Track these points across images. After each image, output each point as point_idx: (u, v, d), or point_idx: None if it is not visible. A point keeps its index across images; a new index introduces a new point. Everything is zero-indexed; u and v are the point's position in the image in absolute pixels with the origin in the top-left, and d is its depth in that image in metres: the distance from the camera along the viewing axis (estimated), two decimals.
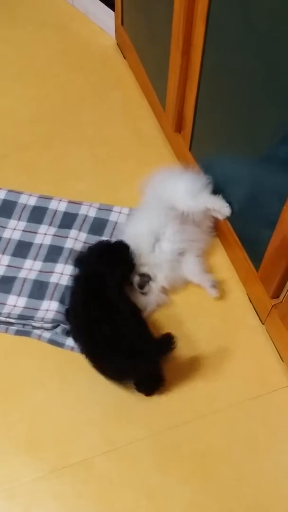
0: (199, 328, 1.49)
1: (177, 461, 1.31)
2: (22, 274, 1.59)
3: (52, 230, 1.66)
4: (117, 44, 2.10)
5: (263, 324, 1.48)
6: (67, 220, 1.68)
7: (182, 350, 1.46)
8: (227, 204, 1.51)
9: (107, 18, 2.10)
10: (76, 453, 1.32)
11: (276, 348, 1.45)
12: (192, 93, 1.48)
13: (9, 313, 1.51)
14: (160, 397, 1.39)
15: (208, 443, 1.33)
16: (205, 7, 1.26)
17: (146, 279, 1.51)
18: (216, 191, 1.56)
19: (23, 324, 1.50)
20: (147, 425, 1.36)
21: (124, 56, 2.08)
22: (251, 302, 1.52)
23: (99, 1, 2.11)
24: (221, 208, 1.52)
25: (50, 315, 1.49)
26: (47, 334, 1.49)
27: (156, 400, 1.39)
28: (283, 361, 1.43)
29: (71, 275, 1.54)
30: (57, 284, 1.55)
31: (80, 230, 1.66)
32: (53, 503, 1.26)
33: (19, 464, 1.31)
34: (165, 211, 1.54)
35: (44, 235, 1.66)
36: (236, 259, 1.54)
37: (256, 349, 1.46)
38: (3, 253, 1.62)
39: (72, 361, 1.45)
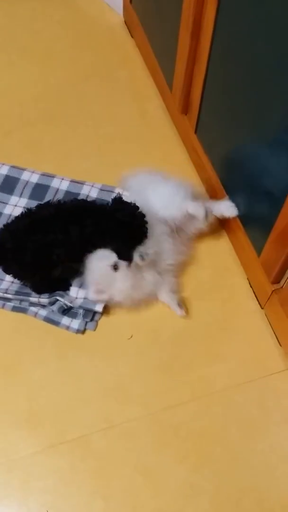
0: (199, 311, 1.50)
1: (173, 440, 1.33)
2: None
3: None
4: (125, 22, 2.08)
5: (262, 309, 1.49)
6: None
7: (181, 332, 1.47)
8: (233, 204, 1.48)
9: None
10: (74, 429, 1.34)
11: (274, 332, 1.46)
12: (200, 75, 1.47)
13: (7, 289, 1.51)
14: (158, 377, 1.41)
15: (204, 424, 1.35)
16: None
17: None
18: (220, 177, 1.56)
19: (20, 301, 1.51)
20: (144, 404, 1.37)
21: (131, 35, 2.06)
22: (251, 287, 1.53)
23: None
24: (227, 209, 1.48)
25: None
26: (43, 312, 1.50)
27: (154, 380, 1.40)
28: (280, 345, 1.44)
29: None
30: None
31: None
32: (50, 477, 1.28)
33: (18, 439, 1.32)
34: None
35: None
36: (238, 243, 1.55)
37: (254, 333, 1.47)
38: None
39: (71, 339, 1.46)
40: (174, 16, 1.51)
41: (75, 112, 1.89)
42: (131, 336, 1.47)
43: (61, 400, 1.38)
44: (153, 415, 1.36)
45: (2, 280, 1.53)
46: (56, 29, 2.10)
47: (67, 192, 1.68)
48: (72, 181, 1.71)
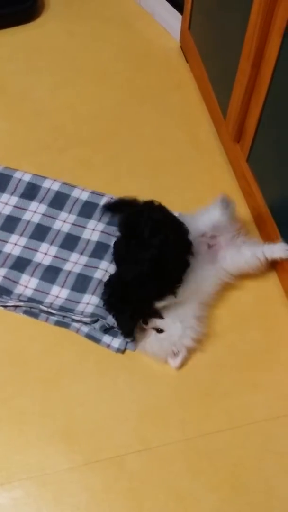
0: (241, 340, 1.50)
1: (208, 468, 1.32)
2: (67, 266, 1.61)
3: (101, 226, 1.68)
4: (181, 47, 2.11)
5: None
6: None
7: (222, 358, 1.47)
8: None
9: (173, 20, 2.11)
10: (109, 448, 1.34)
11: None
12: (257, 105, 1.48)
13: (51, 303, 1.54)
14: (197, 402, 1.41)
15: (240, 454, 1.34)
16: (284, 22, 1.25)
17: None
18: (269, 206, 1.56)
19: (63, 316, 1.53)
20: (181, 429, 1.37)
21: (186, 60, 2.08)
22: None
23: (167, 3, 2.12)
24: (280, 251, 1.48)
25: (90, 309, 1.52)
26: (85, 328, 1.51)
27: (192, 405, 1.40)
28: None
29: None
30: (100, 281, 1.57)
31: None
32: (83, 495, 1.29)
33: (53, 453, 1.33)
34: None
35: (93, 230, 1.68)
36: (284, 272, 1.54)
37: None
38: (51, 244, 1.65)
39: (111, 357, 1.47)
40: (235, 45, 1.53)
41: (127, 133, 1.92)
42: None
43: (98, 417, 1.39)
44: (190, 440, 1.35)
45: (47, 294, 1.56)
46: (113, 50, 2.14)
47: None
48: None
